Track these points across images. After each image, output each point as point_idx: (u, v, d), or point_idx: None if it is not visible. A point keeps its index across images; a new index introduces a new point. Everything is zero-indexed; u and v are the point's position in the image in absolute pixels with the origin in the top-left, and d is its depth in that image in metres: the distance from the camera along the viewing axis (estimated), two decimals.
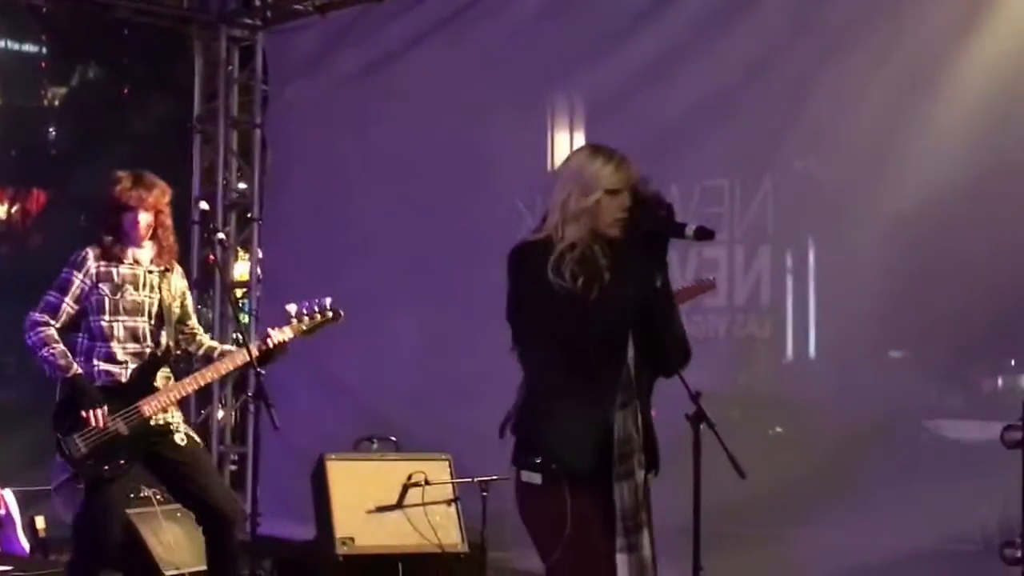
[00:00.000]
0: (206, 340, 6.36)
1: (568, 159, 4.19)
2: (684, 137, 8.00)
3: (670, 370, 4.28)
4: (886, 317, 7.25)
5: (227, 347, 6.37)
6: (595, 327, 3.93)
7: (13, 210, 10.84)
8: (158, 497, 7.63)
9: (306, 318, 6.28)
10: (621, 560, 3.92)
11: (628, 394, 3.97)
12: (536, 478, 3.97)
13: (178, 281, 6.26)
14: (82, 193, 10.21)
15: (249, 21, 10.79)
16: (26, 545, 8.47)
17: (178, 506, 7.55)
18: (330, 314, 6.36)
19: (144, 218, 6.04)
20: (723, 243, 7.87)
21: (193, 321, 6.34)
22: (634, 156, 8.24)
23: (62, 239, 10.14)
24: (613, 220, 4.01)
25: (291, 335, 6.23)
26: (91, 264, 6.02)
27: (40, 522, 8.56)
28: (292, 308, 6.27)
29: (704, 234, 3.95)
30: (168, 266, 6.18)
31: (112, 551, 6.20)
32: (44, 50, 11.28)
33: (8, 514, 8.39)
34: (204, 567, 6.92)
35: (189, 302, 6.35)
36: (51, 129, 11.72)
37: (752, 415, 7.70)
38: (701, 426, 5.30)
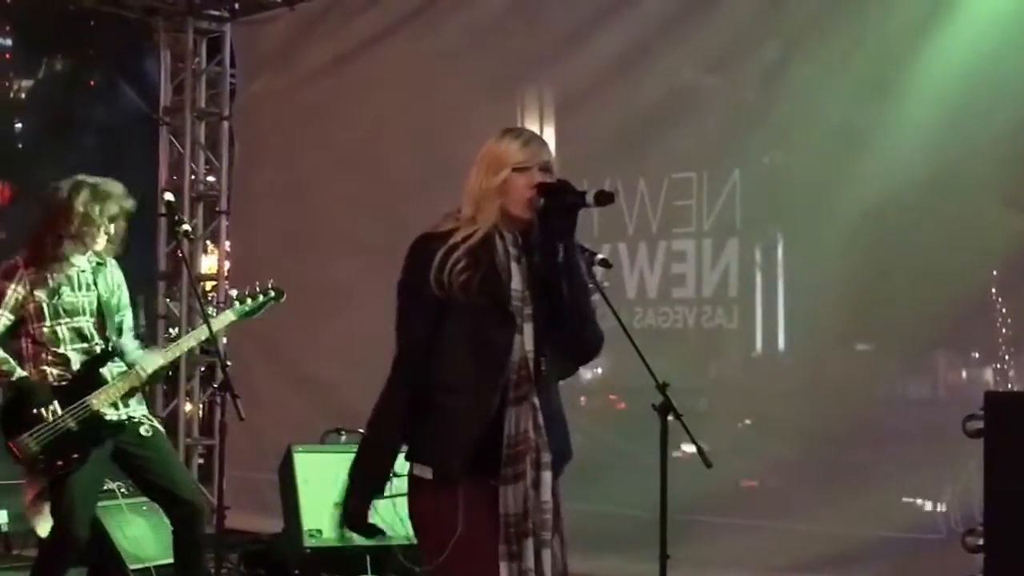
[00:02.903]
0: (127, 342, 6.18)
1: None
2: (653, 130, 8.02)
3: (578, 353, 4.06)
4: (853, 310, 7.30)
5: (137, 354, 6.15)
6: (473, 330, 3.84)
7: None
8: (123, 491, 7.60)
9: (248, 299, 6.31)
10: (503, 568, 3.74)
11: (524, 388, 3.82)
12: (427, 472, 3.86)
13: (114, 273, 6.20)
14: (48, 186, 10.12)
15: (216, 13, 10.76)
16: None
17: (143, 500, 7.52)
18: (272, 293, 6.36)
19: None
20: (691, 236, 7.91)
21: (121, 315, 6.20)
22: (604, 148, 8.34)
23: (28, 232, 10.05)
24: (521, 198, 3.88)
25: (233, 318, 6.26)
26: (22, 272, 5.97)
27: (2, 516, 8.51)
28: (235, 292, 6.34)
29: (604, 198, 3.81)
30: (100, 260, 6.14)
31: (80, 548, 6.15)
32: (10, 42, 11.19)
33: None
34: (170, 560, 6.91)
35: (124, 296, 6.27)
36: (17, 121, 11.61)
37: (721, 406, 7.73)
38: (668, 416, 5.31)
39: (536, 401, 3.83)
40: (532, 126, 8.75)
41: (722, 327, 7.79)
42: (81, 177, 6.09)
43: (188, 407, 10.64)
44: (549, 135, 8.71)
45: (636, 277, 7.80)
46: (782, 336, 7.76)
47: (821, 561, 7.04)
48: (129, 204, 6.12)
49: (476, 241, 3.87)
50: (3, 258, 6.22)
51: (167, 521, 7.15)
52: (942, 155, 6.87)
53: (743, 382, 7.95)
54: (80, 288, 6.04)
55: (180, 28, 10.70)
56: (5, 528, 8.49)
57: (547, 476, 3.81)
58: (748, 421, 7.88)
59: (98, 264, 6.10)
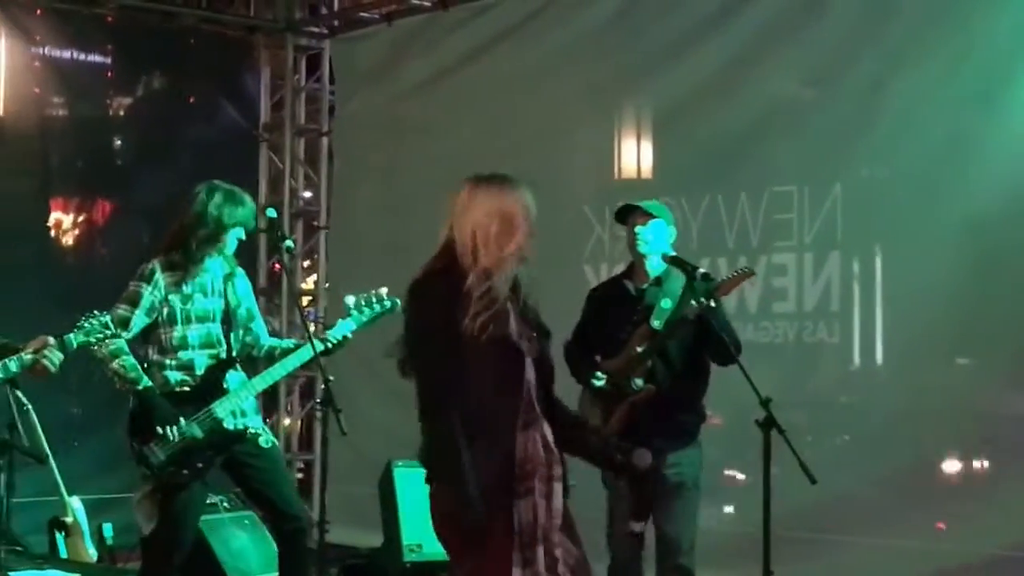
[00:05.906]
0: (268, 341, 6.37)
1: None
2: (753, 144, 7.99)
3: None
4: (953, 324, 7.21)
5: (288, 343, 6.36)
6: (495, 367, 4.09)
7: (79, 220, 10.87)
8: (226, 504, 7.67)
9: (365, 309, 6.29)
10: (515, 573, 3.98)
11: (531, 415, 4.10)
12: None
13: (241, 283, 6.28)
14: (147, 203, 10.24)
15: (316, 29, 10.87)
16: (94, 553, 8.51)
17: (247, 513, 7.59)
18: (387, 303, 6.35)
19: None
20: (792, 249, 7.85)
21: (256, 323, 6.34)
22: (703, 161, 8.30)
23: (127, 249, 10.17)
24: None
25: (353, 327, 6.25)
26: (159, 276, 6.04)
27: (108, 530, 8.61)
28: (351, 300, 6.30)
29: None
30: (231, 269, 6.22)
31: (184, 555, 6.20)
32: (110, 60, 11.31)
33: (76, 521, 8.43)
34: (271, 574, 6.96)
35: (253, 304, 6.35)
36: (116, 139, 11.73)
37: (820, 421, 7.65)
38: (771, 432, 5.26)
39: (544, 424, 4.11)
40: (630, 139, 8.75)
41: (823, 341, 7.72)
42: (216, 182, 6.16)
43: (287, 421, 10.72)
44: (647, 148, 8.71)
45: (736, 291, 7.72)
46: (880, 350, 7.68)
47: None
48: (254, 221, 6.20)
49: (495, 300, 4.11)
50: (102, 275, 6.28)
51: (269, 536, 7.22)
52: None
53: (842, 396, 7.87)
54: (212, 294, 6.11)
55: (279, 45, 10.82)
56: (110, 541, 8.59)
57: (558, 487, 4.10)
58: (847, 436, 7.81)
59: (229, 273, 6.17)
